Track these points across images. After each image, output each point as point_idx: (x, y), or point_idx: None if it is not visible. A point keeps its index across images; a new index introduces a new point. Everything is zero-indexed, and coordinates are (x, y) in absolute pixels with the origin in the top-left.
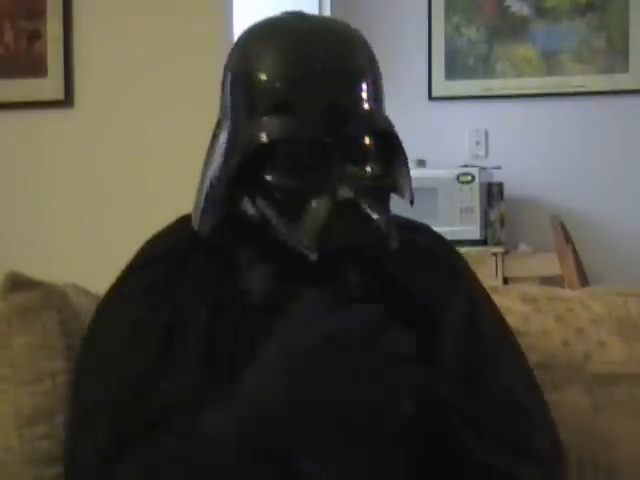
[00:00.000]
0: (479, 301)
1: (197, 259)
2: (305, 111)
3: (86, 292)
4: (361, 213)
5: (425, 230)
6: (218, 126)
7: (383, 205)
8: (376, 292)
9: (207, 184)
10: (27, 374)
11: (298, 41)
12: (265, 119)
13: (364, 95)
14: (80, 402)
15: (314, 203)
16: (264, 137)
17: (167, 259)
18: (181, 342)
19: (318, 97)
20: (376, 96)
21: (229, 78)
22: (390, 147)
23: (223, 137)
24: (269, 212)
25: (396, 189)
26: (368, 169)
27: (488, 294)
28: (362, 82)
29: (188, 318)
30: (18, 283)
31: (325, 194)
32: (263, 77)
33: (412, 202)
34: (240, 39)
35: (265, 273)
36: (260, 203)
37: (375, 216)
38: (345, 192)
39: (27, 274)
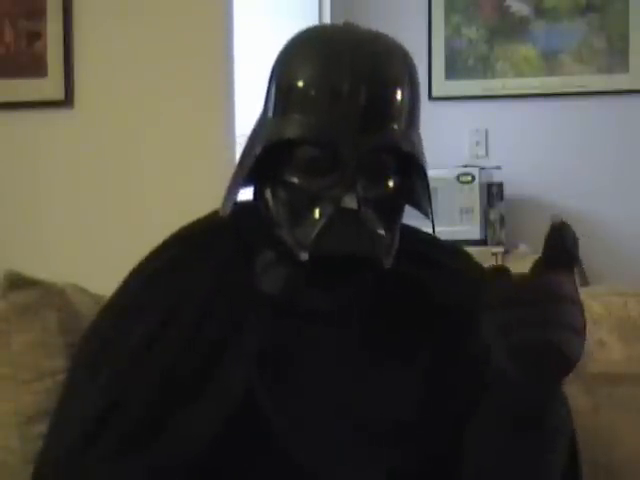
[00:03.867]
0: None
1: (215, 249)
2: (326, 116)
3: (86, 292)
4: (361, 225)
5: (460, 254)
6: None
7: (391, 223)
8: (394, 298)
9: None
10: (27, 373)
11: (335, 49)
12: (288, 118)
13: (392, 113)
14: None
15: (318, 207)
16: (280, 134)
17: (183, 243)
18: (175, 325)
19: (343, 105)
20: (409, 116)
21: (270, 75)
22: (413, 167)
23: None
24: (279, 210)
25: (412, 206)
26: (383, 185)
27: None
28: (393, 100)
29: (185, 302)
30: (18, 282)
31: (330, 200)
32: (293, 77)
33: (433, 228)
34: (288, 41)
35: (278, 277)
36: (274, 200)
37: (376, 230)
38: (349, 201)
39: (27, 274)
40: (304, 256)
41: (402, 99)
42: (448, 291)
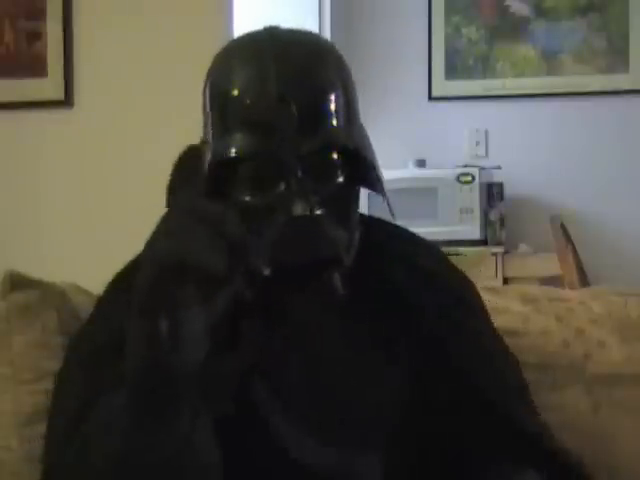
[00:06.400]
0: (474, 308)
1: None
2: (262, 129)
3: (86, 292)
4: (317, 229)
5: (437, 254)
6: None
7: (347, 220)
8: (364, 291)
9: None
10: (27, 373)
11: (260, 60)
12: (226, 137)
13: (326, 113)
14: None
15: (272, 221)
16: (220, 155)
17: None
18: None
19: (275, 115)
20: (347, 114)
21: (205, 93)
22: (361, 160)
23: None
24: None
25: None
26: (332, 183)
27: (490, 320)
28: (325, 100)
29: None
30: (18, 283)
31: (281, 211)
32: (226, 97)
33: (391, 212)
34: (216, 55)
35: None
36: None
37: (333, 231)
38: (299, 209)
39: (27, 274)
40: (267, 271)
41: (335, 98)
42: (420, 292)
